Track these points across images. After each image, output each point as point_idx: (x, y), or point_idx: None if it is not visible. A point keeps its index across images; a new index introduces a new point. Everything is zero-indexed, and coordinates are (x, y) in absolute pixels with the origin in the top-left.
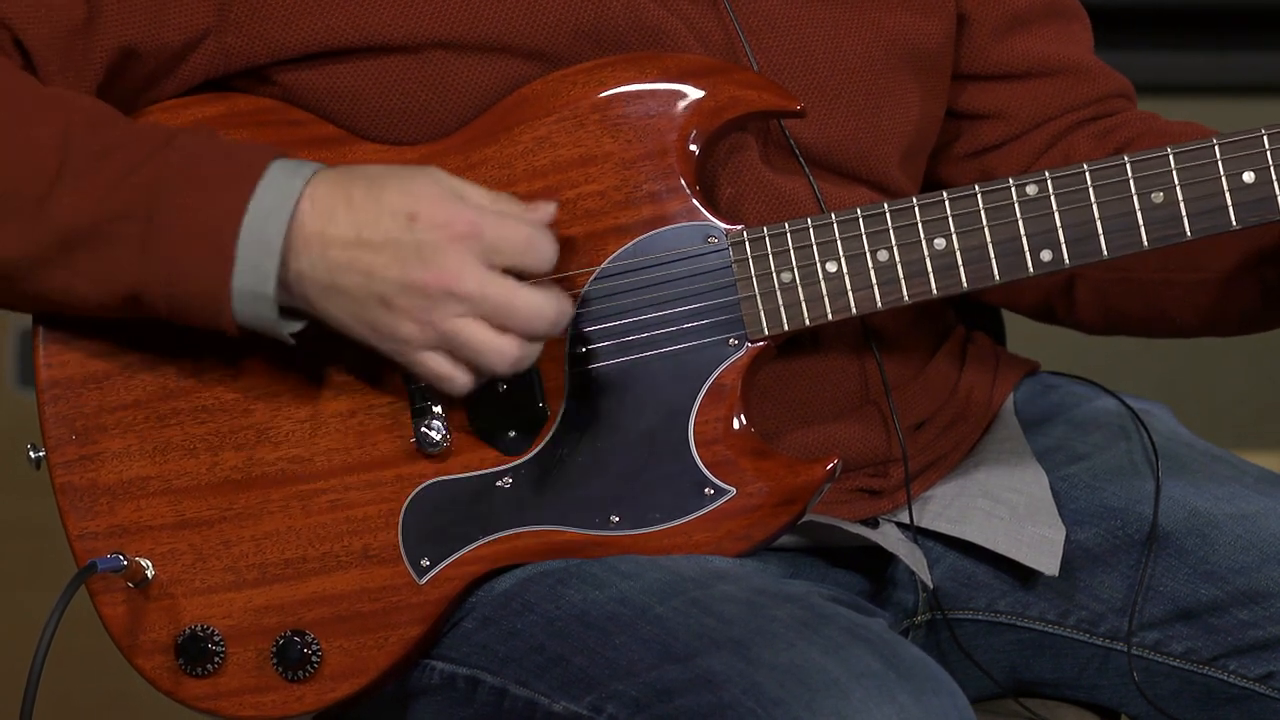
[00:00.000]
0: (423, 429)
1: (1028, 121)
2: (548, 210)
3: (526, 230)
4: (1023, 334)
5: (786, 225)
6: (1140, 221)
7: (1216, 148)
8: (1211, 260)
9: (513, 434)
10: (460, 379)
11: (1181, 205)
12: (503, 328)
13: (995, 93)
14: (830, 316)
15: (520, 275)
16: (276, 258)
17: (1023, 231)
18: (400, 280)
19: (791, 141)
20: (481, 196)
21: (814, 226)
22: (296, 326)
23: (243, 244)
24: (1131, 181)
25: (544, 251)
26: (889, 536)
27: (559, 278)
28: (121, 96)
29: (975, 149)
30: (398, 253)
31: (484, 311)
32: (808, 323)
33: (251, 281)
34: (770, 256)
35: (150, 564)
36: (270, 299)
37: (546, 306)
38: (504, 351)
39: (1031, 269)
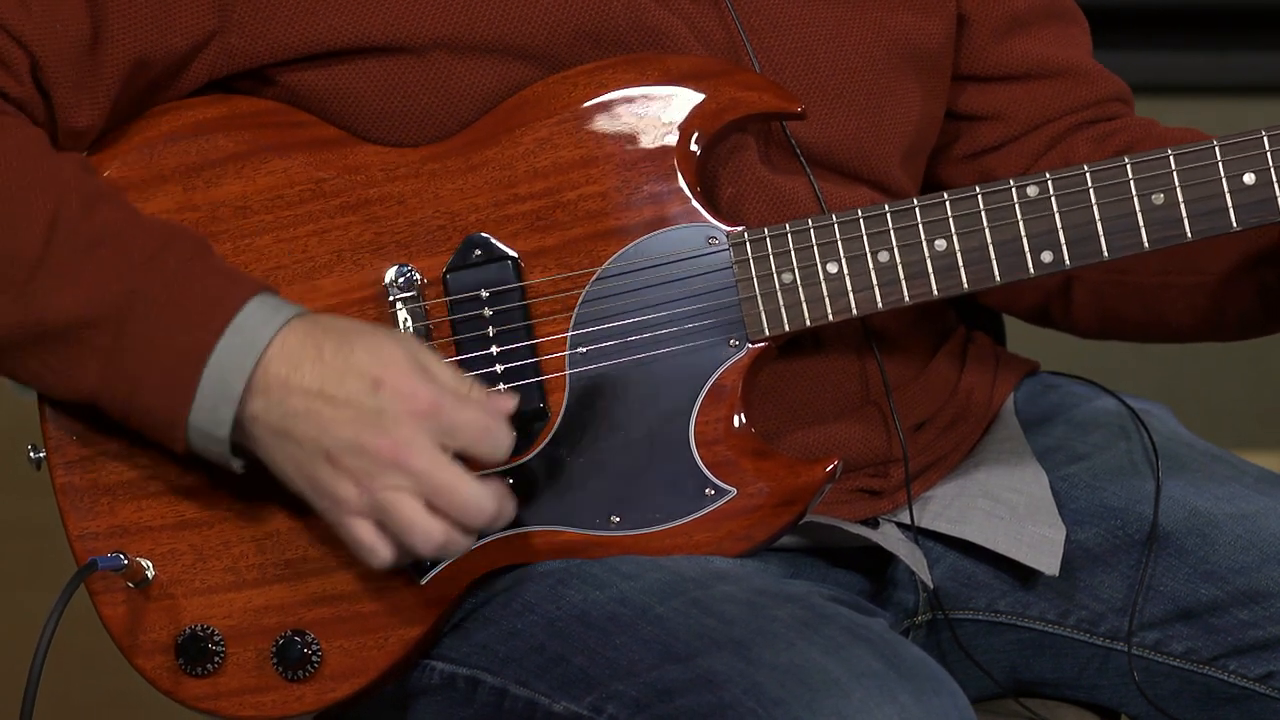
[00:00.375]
0: None
1: (1026, 123)
2: (509, 402)
3: (485, 419)
4: (1023, 334)
5: (787, 226)
6: (1141, 223)
7: (1217, 149)
8: (1210, 263)
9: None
10: (382, 552)
11: (1182, 206)
12: (439, 511)
13: (994, 94)
14: (831, 317)
15: (471, 463)
16: (234, 404)
17: (1023, 232)
18: (352, 441)
19: (793, 142)
20: (446, 375)
21: (815, 227)
22: (242, 462)
23: (204, 384)
24: (1132, 183)
25: (499, 441)
26: (889, 537)
27: (560, 278)
28: (129, 104)
29: (974, 150)
30: (357, 414)
31: (425, 490)
32: (808, 323)
33: (207, 421)
34: (771, 257)
35: (150, 564)
36: (224, 440)
37: (487, 501)
38: (432, 535)
39: (1032, 270)
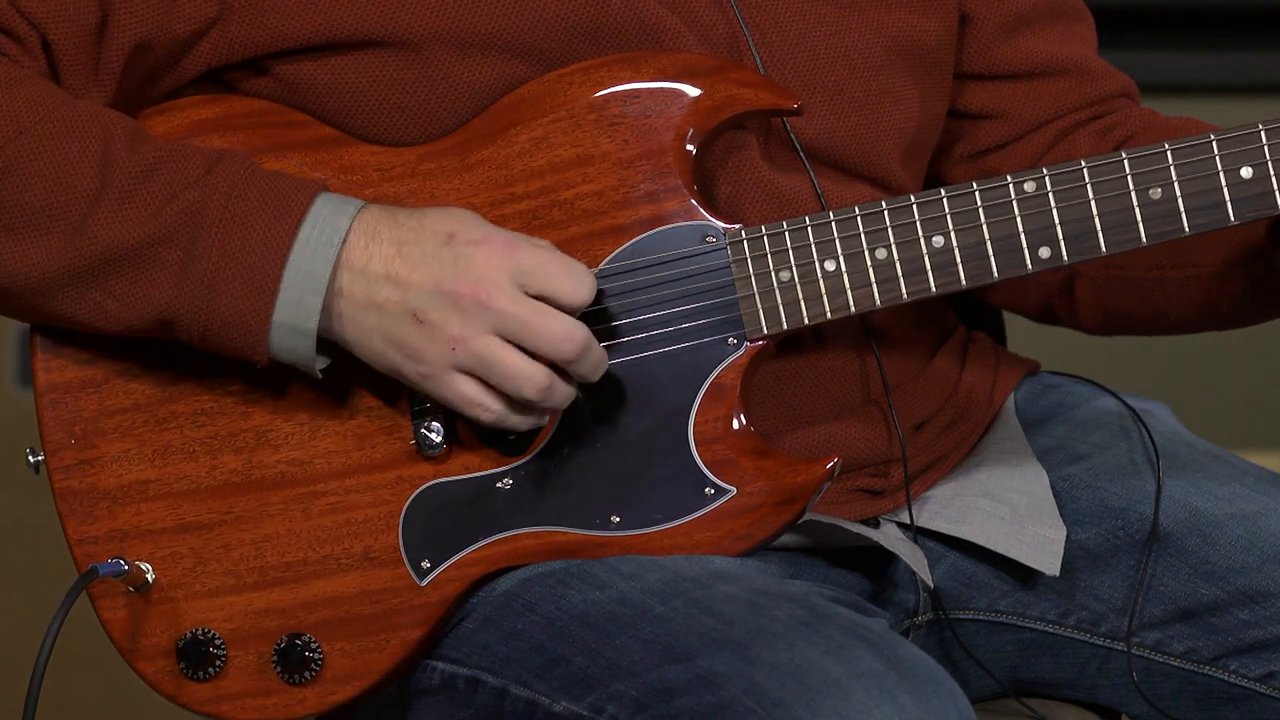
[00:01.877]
0: (422, 430)
1: (1030, 121)
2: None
3: (563, 259)
4: (1023, 334)
5: (785, 224)
6: (1139, 217)
7: (1214, 143)
8: (1202, 256)
9: (512, 435)
10: (490, 405)
11: (1180, 201)
12: (531, 352)
13: (998, 92)
14: (829, 315)
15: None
16: (322, 291)
17: (1021, 228)
18: (434, 289)
19: (793, 137)
20: (518, 231)
21: (812, 225)
22: (325, 362)
23: (288, 276)
24: (1129, 178)
25: (582, 278)
26: (889, 536)
27: None
28: (129, 91)
29: (977, 149)
30: (434, 265)
31: (512, 330)
32: (807, 321)
33: (293, 316)
34: (769, 255)
35: (151, 568)
36: (311, 333)
37: (575, 331)
38: (533, 377)
39: (1030, 266)
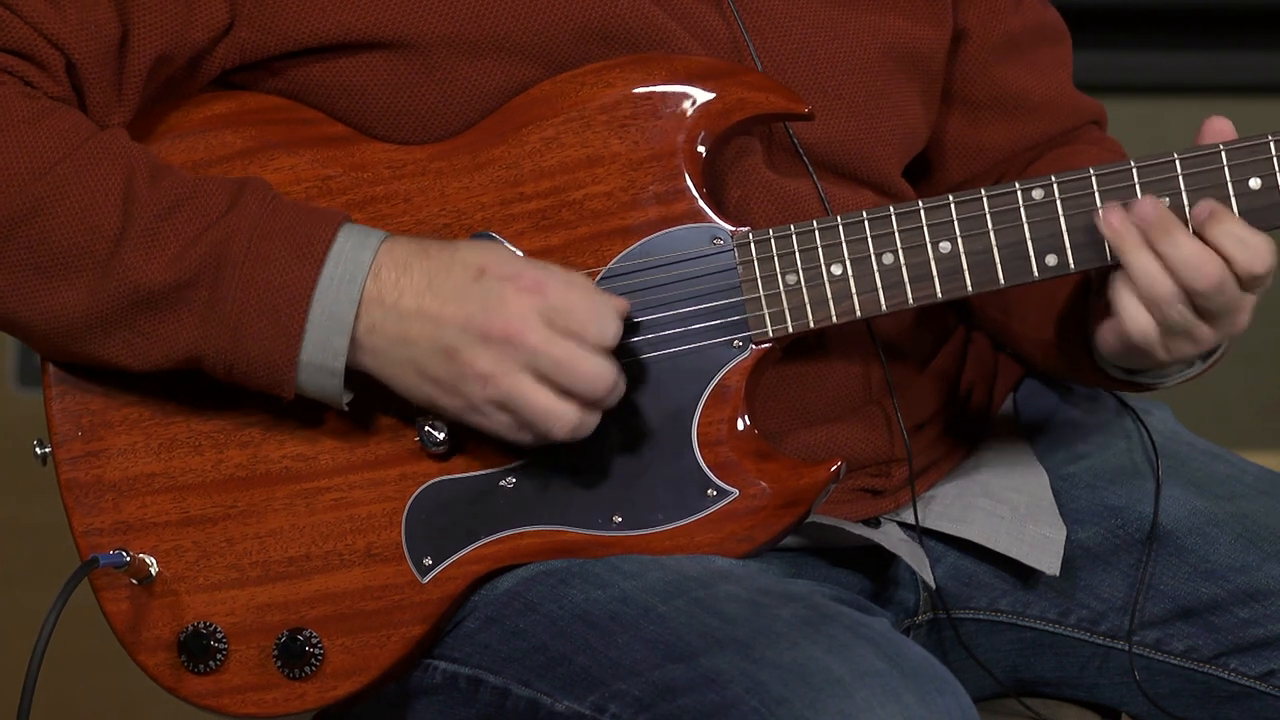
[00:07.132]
0: (426, 428)
1: (1005, 154)
2: (622, 302)
3: (592, 299)
4: None
5: (792, 227)
6: None
7: (1223, 154)
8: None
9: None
10: (527, 436)
11: (1187, 210)
12: (563, 391)
13: (983, 127)
14: (835, 319)
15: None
16: (348, 331)
17: (1028, 236)
18: (464, 326)
19: (796, 143)
20: (555, 266)
21: (819, 229)
22: (350, 396)
23: (313, 318)
24: (1138, 187)
25: (607, 321)
26: (891, 536)
27: None
28: (147, 102)
29: (957, 182)
30: (464, 301)
31: (544, 369)
32: (812, 325)
33: (319, 356)
34: (776, 258)
35: (154, 560)
36: (339, 372)
37: (606, 372)
38: (564, 417)
39: (1036, 273)
